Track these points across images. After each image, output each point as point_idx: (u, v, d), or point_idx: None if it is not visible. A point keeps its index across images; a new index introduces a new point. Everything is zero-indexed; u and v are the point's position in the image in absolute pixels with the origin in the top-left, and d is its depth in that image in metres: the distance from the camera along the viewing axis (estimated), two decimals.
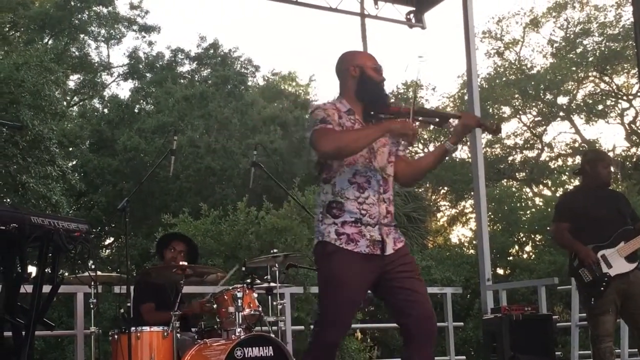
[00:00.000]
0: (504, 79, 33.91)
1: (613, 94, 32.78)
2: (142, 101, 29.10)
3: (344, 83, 4.86)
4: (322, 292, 4.72)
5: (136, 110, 27.57)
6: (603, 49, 31.51)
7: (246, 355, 6.22)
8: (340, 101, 4.80)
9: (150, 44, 31.30)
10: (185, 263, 6.72)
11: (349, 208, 4.65)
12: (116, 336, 6.37)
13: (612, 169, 7.14)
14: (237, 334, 6.42)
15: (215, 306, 6.75)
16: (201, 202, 18.46)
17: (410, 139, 4.64)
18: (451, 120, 4.82)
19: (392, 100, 4.89)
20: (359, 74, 4.80)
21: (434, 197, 35.13)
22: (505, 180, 32.80)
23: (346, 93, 4.83)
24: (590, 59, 31.79)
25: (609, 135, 63.93)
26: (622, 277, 6.75)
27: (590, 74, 32.69)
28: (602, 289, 6.70)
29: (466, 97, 10.89)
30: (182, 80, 29.67)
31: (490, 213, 26.24)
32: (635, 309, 6.77)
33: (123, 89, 59.63)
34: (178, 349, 6.39)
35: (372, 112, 4.78)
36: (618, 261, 6.78)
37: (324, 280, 4.68)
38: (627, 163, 31.85)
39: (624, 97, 32.38)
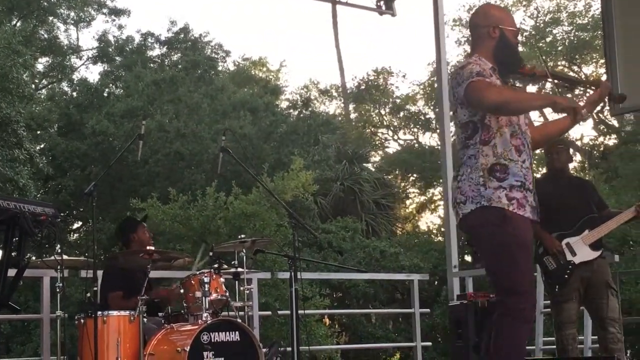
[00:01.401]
0: None
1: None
2: (111, 85, 28.90)
3: (480, 40, 4.76)
4: (501, 257, 4.49)
5: (105, 94, 27.39)
6: (572, 38, 31.70)
7: (212, 340, 6.23)
8: (480, 59, 4.68)
9: (120, 27, 31.10)
10: (153, 248, 6.71)
11: (514, 171, 4.53)
12: (82, 320, 6.34)
13: (558, 156, 7.14)
14: (204, 318, 6.42)
15: (182, 291, 6.75)
16: (170, 187, 18.45)
17: (576, 116, 4.64)
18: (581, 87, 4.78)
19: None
20: (498, 36, 4.71)
21: (403, 184, 35.22)
22: None
23: (483, 51, 4.73)
24: (560, 48, 31.97)
25: (577, 125, 64.29)
26: (586, 265, 6.81)
27: (559, 63, 32.86)
28: (566, 276, 6.76)
29: (436, 85, 10.98)
30: (151, 65, 29.50)
31: None
32: (598, 297, 6.84)
33: (92, 73, 59.39)
34: (144, 334, 6.38)
35: (506, 72, 4.73)
36: (582, 249, 6.84)
37: (503, 245, 4.46)
38: (595, 152, 32.10)
39: (592, 87, 32.51)
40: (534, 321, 4.57)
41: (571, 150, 7.79)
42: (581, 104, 4.77)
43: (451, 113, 5.17)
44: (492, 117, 4.56)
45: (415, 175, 34.67)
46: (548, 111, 4.81)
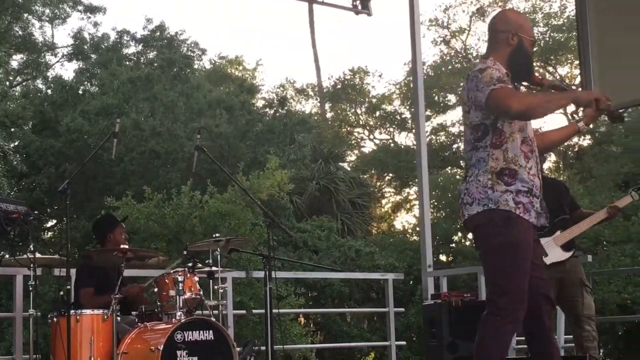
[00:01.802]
0: (450, 67, 34.13)
1: None
2: (86, 82, 28.74)
3: (497, 45, 4.81)
4: (499, 258, 4.57)
5: (80, 92, 27.22)
6: (548, 39, 31.86)
7: (186, 339, 6.22)
8: (495, 63, 4.72)
9: (95, 24, 30.90)
10: (127, 246, 6.69)
11: (522, 177, 4.60)
12: (55, 319, 6.32)
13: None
14: (178, 317, 6.41)
15: (156, 290, 6.74)
16: (145, 186, 18.35)
17: (593, 110, 4.70)
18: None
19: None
20: (516, 43, 4.78)
21: (378, 183, 35.29)
22: (449, 167, 33.03)
23: (498, 56, 4.77)
24: (535, 49, 32.06)
25: (552, 125, 64.37)
26: (558, 265, 6.85)
27: (534, 63, 33.01)
28: None
29: (412, 85, 11.00)
30: (127, 62, 29.36)
31: (434, 200, 26.46)
32: (571, 297, 6.89)
33: (67, 70, 59.13)
34: (118, 332, 6.37)
35: (517, 80, 4.82)
36: (554, 250, 6.88)
37: (503, 247, 4.55)
38: (569, 153, 32.28)
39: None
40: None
41: None
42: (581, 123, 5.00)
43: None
44: (505, 122, 4.61)
45: (390, 174, 34.75)
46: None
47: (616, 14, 8.33)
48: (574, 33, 28.31)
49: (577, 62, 30.58)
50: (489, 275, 4.68)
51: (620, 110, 5.05)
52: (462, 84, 4.68)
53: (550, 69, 32.88)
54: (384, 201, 35.90)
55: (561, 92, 4.88)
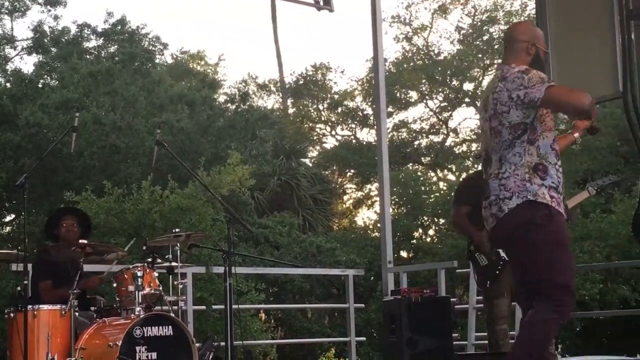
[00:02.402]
0: (412, 63, 34.23)
1: None
2: (46, 76, 28.45)
3: (517, 53, 5.02)
4: (553, 257, 4.70)
5: (40, 85, 26.94)
6: None
7: (145, 335, 6.20)
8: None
9: (55, 18, 30.55)
10: (85, 241, 6.64)
11: (552, 173, 4.79)
12: (12, 314, 6.26)
13: None
14: (137, 313, 6.38)
15: (115, 285, 6.70)
16: (105, 180, 18.25)
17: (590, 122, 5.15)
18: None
19: None
20: (534, 54, 5.01)
21: (340, 179, 35.32)
22: (410, 164, 33.15)
23: (519, 63, 4.94)
24: (496, 47, 32.27)
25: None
26: None
27: (495, 61, 33.17)
28: (497, 272, 6.84)
29: (373, 81, 11.03)
30: (88, 56, 29.10)
31: (395, 196, 26.54)
32: None
33: (27, 64, 58.47)
34: (76, 328, 6.32)
35: None
36: None
37: (549, 242, 4.69)
38: None
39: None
40: None
41: None
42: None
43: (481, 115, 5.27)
44: (538, 120, 4.81)
45: (352, 170, 34.77)
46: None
47: (575, 14, 8.40)
48: None
49: None
50: (538, 271, 4.73)
51: None
52: (496, 87, 4.74)
53: None
54: (345, 197, 35.94)
55: None
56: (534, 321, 4.69)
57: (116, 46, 29.68)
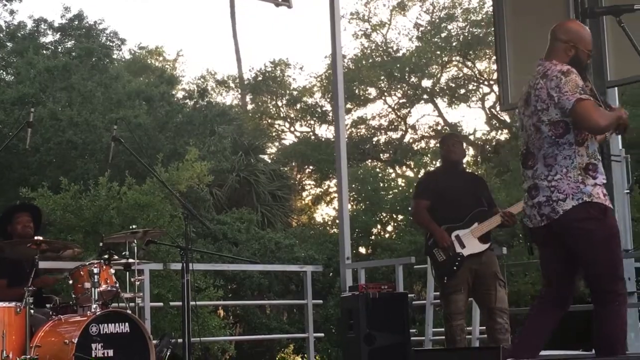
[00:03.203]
0: (371, 60, 34.26)
1: (475, 79, 33.59)
2: (1, 71, 28.17)
3: (557, 52, 5.09)
4: (607, 249, 4.88)
5: None
6: (467, 34, 32.22)
7: (101, 332, 6.16)
8: (569, 68, 5.00)
9: (11, 12, 30.20)
10: (41, 238, 6.58)
11: (601, 170, 4.96)
12: None
13: (455, 149, 7.31)
14: (93, 310, 6.34)
15: (71, 282, 6.64)
16: (61, 177, 18.09)
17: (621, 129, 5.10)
18: None
19: None
20: (572, 55, 5.05)
21: (299, 176, 35.30)
22: (369, 160, 33.21)
23: (561, 61, 5.03)
24: (454, 44, 32.47)
25: (471, 119, 65.63)
26: (474, 257, 6.95)
27: (453, 58, 33.38)
28: (454, 268, 6.88)
29: (332, 78, 10.98)
30: (44, 51, 28.82)
31: (354, 193, 26.59)
32: (485, 289, 6.99)
33: None
34: (31, 325, 6.26)
35: None
36: (471, 242, 6.98)
37: (607, 238, 4.88)
38: (487, 147, 32.73)
39: (485, 82, 33.22)
40: None
41: (464, 144, 7.98)
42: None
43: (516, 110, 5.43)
44: None
45: (311, 167, 34.76)
46: None
47: (532, 12, 8.49)
48: (492, 29, 28.76)
49: (495, 57, 30.95)
50: (597, 266, 4.92)
51: None
52: (537, 83, 4.80)
53: (469, 63, 33.27)
54: (304, 193, 35.93)
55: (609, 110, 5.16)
56: (612, 322, 4.92)
57: (73, 41, 29.41)
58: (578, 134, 4.89)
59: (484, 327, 7.51)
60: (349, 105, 32.46)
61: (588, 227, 4.86)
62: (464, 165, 7.85)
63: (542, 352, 5.25)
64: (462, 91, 33.33)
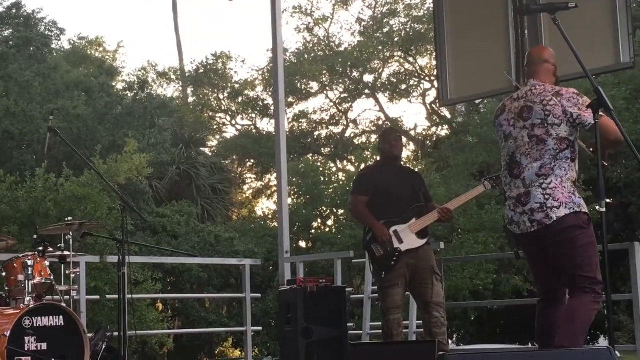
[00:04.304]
0: (313, 54, 34.28)
1: (416, 74, 33.77)
2: None
3: (547, 73, 5.61)
4: (592, 253, 5.33)
5: None
6: (408, 30, 32.37)
7: (35, 325, 6.09)
8: None
9: None
10: None
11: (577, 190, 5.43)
12: None
13: (396, 144, 7.36)
14: (26, 302, 6.25)
15: (4, 274, 6.55)
16: None
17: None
18: None
19: None
20: (557, 76, 5.67)
21: (240, 169, 35.21)
22: (310, 154, 33.23)
23: (549, 82, 5.57)
24: (396, 39, 32.59)
25: (412, 115, 66.19)
26: (411, 252, 6.98)
27: (395, 53, 33.52)
28: (392, 263, 6.90)
29: (272, 71, 10.93)
30: None
31: (294, 187, 26.57)
32: (422, 283, 7.03)
33: None
34: None
35: None
36: (409, 237, 7.00)
37: (588, 244, 5.31)
38: (428, 142, 32.96)
39: (427, 78, 33.42)
40: None
41: (404, 140, 8.02)
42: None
43: (516, 122, 5.64)
44: (576, 142, 5.42)
45: (252, 160, 34.69)
46: None
47: (471, 10, 8.56)
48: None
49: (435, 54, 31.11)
50: (579, 267, 5.32)
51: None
52: (548, 99, 5.06)
53: (411, 59, 33.45)
54: (245, 187, 35.86)
55: None
56: (582, 312, 5.29)
57: (11, 30, 28.97)
58: (573, 152, 5.38)
59: (421, 322, 7.54)
60: (290, 99, 32.44)
61: (575, 234, 5.30)
62: (403, 161, 7.89)
63: (488, 346, 5.49)
64: (404, 86, 33.49)
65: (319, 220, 28.22)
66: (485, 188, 7.25)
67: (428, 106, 33.49)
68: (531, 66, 5.68)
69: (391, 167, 7.32)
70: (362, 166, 25.77)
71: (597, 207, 5.05)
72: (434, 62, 32.22)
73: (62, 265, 6.95)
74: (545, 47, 5.81)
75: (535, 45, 7.42)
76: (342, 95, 34.52)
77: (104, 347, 7.05)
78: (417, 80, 33.90)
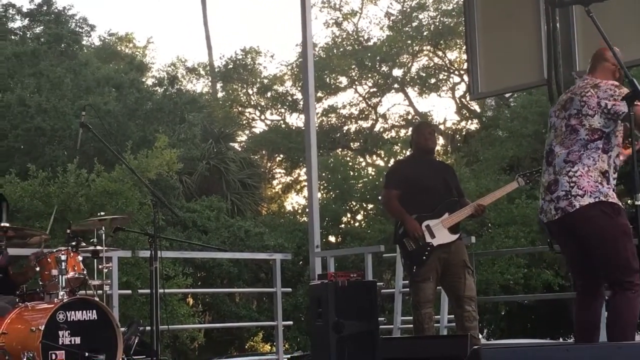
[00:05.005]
0: (342, 49, 34.25)
1: (445, 68, 33.66)
2: None
3: (606, 72, 5.56)
4: (623, 244, 5.24)
5: None
6: (437, 24, 32.26)
7: (69, 319, 6.11)
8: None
9: None
10: (7, 224, 6.52)
11: (612, 182, 5.37)
12: None
13: (431, 137, 7.35)
14: (60, 297, 6.29)
15: (38, 269, 6.59)
16: (29, 163, 17.98)
17: None
18: None
19: None
20: (618, 77, 5.53)
21: (269, 164, 35.27)
22: (339, 149, 33.23)
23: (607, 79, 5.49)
24: (425, 33, 32.49)
25: (441, 109, 65.79)
26: (444, 246, 6.96)
27: (424, 47, 33.42)
28: (424, 257, 6.88)
29: (302, 66, 10.93)
30: (13, 37, 28.61)
31: (324, 182, 26.60)
32: (454, 277, 7.01)
33: None
34: None
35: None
36: (441, 232, 6.97)
37: (618, 234, 5.24)
38: (457, 136, 32.85)
39: (456, 72, 33.31)
40: None
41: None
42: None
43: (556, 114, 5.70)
44: (614, 133, 5.37)
45: (281, 155, 34.72)
46: None
47: (501, 3, 8.52)
48: (463, 18, 28.78)
49: (465, 47, 30.87)
50: (612, 260, 5.27)
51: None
52: (586, 91, 5.08)
53: (440, 53, 33.34)
54: (274, 182, 35.92)
55: None
56: (624, 310, 5.21)
57: (42, 27, 29.22)
58: (607, 144, 5.35)
59: (452, 316, 7.52)
60: (319, 94, 32.42)
61: (600, 224, 5.25)
62: (434, 155, 7.86)
63: (520, 341, 5.44)
64: (433, 81, 33.38)
65: (349, 215, 28.24)
66: (519, 184, 7.22)
67: (457, 100, 33.37)
68: (591, 63, 5.71)
69: (424, 161, 7.30)
70: (392, 161, 25.77)
71: (632, 201, 5.00)
72: (464, 56, 32.21)
73: (95, 260, 6.98)
74: (609, 48, 5.60)
75: (567, 38, 7.44)
76: (371, 90, 34.49)
77: (136, 341, 7.09)
78: (446, 74, 33.78)
